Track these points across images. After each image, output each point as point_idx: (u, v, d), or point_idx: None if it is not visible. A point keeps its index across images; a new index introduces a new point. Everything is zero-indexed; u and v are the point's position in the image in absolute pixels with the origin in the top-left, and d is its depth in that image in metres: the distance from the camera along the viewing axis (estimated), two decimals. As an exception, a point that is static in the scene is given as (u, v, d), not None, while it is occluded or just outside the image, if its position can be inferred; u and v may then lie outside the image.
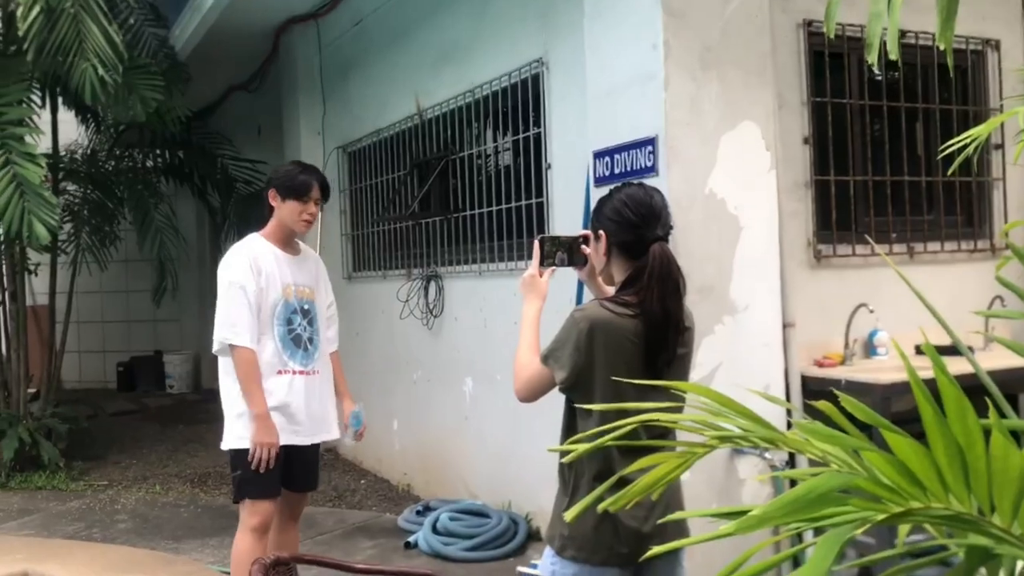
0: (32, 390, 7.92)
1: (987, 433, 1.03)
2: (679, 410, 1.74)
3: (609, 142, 3.83)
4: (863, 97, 4.31)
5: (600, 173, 3.91)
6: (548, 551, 2.34)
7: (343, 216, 7.45)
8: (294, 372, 3.55)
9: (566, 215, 4.55)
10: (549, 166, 4.74)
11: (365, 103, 6.89)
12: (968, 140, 1.45)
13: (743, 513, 1.04)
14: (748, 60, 3.70)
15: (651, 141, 3.59)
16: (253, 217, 9.54)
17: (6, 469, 6.90)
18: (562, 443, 2.37)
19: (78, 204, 8.43)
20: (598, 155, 3.92)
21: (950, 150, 1.70)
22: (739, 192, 3.67)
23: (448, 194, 5.81)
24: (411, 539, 4.92)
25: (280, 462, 3.46)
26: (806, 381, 3.89)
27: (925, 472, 1.03)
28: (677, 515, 1.58)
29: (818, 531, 1.05)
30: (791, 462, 3.53)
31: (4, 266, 7.63)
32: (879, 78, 4.30)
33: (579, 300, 4.23)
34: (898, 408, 3.51)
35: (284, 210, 3.59)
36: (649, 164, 3.61)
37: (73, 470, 7.20)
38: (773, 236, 3.77)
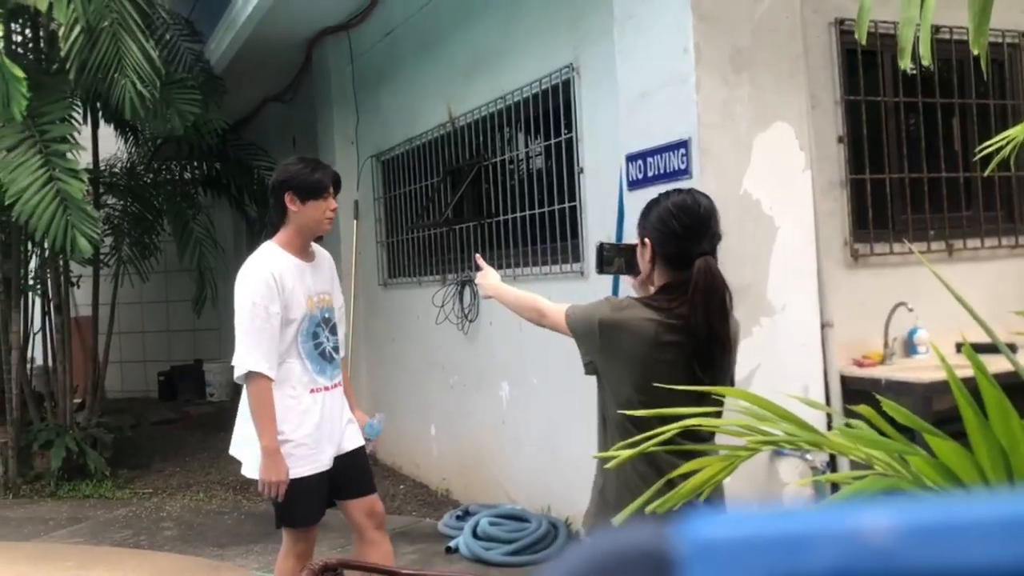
0: (77, 400, 8.09)
1: (1030, 434, 1.04)
2: (719, 414, 1.75)
3: (642, 145, 3.84)
4: (897, 94, 4.28)
5: (633, 176, 3.93)
6: None
7: (378, 224, 7.52)
8: (324, 389, 3.35)
9: (599, 219, 4.56)
10: (581, 170, 4.76)
11: (397, 112, 6.96)
12: (1005, 141, 1.45)
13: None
14: (780, 61, 3.69)
15: (684, 144, 3.60)
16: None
17: (55, 478, 7.04)
18: (599, 434, 2.40)
19: (118, 217, 8.59)
20: (631, 158, 3.93)
21: (988, 150, 1.70)
22: (774, 193, 3.66)
23: (481, 200, 5.85)
24: (452, 544, 4.96)
25: (321, 486, 3.31)
26: (845, 381, 3.87)
27: (968, 475, 1.04)
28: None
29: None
30: (832, 464, 3.52)
31: (49, 279, 7.80)
32: (913, 73, 4.27)
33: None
34: (940, 407, 3.48)
35: (306, 212, 3.28)
36: (683, 167, 3.61)
37: (119, 478, 7.34)
38: (809, 236, 3.76)
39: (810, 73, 3.89)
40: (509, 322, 5.50)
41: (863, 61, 4.16)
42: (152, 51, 6.43)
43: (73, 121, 6.84)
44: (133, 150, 9.21)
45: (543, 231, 5.13)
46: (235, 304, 3.21)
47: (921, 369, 3.81)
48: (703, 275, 2.19)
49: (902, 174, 4.28)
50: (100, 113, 7.87)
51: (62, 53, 6.30)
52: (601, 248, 2.57)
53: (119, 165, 8.90)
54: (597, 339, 2.28)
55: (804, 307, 3.74)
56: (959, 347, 3.47)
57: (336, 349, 3.42)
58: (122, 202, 8.62)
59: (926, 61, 1.26)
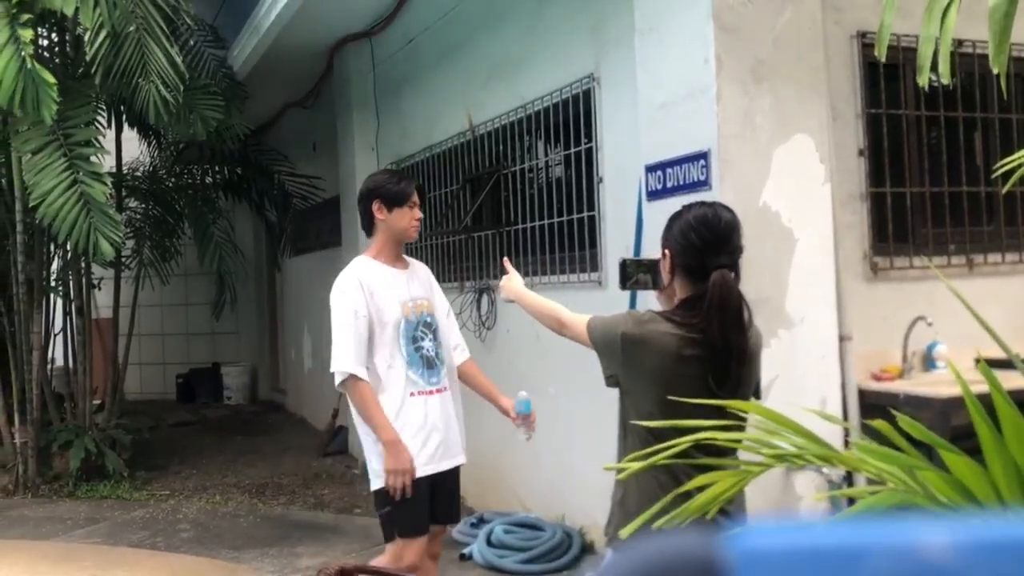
0: (97, 401, 8.16)
1: (1046, 453, 1.03)
2: (739, 428, 1.75)
3: (661, 156, 3.85)
4: (919, 108, 4.26)
5: (652, 187, 3.93)
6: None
7: (397, 230, 7.55)
8: (428, 392, 3.34)
9: (618, 228, 4.57)
10: (600, 180, 4.77)
11: (417, 119, 7.00)
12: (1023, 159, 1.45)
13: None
14: (801, 73, 3.69)
15: (704, 155, 3.60)
16: (311, 232, 9.74)
17: (73, 479, 7.11)
18: (619, 444, 2.41)
19: (140, 220, 8.69)
20: (650, 169, 3.93)
21: (1008, 166, 1.70)
22: (793, 205, 3.65)
23: (500, 208, 5.87)
24: (466, 551, 4.97)
25: (426, 489, 3.28)
26: (864, 395, 3.85)
27: (982, 491, 1.04)
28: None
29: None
30: (848, 478, 3.50)
31: (71, 281, 7.88)
32: (935, 86, 4.25)
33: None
34: (958, 422, 3.46)
35: (393, 220, 3.39)
36: (702, 178, 3.61)
37: (136, 480, 7.40)
38: (828, 248, 3.75)
39: (831, 85, 3.88)
40: (527, 330, 5.51)
41: (885, 74, 4.15)
42: (176, 56, 6.51)
43: (98, 125, 6.92)
44: (156, 154, 9.31)
45: (561, 240, 5.14)
46: (331, 315, 3.37)
47: (940, 384, 3.79)
48: (718, 288, 2.21)
49: (923, 188, 4.26)
50: (124, 117, 7.95)
51: (87, 58, 6.38)
52: (624, 265, 2.59)
53: (141, 169, 9.01)
54: (619, 353, 2.29)
55: (823, 320, 3.72)
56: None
57: (438, 355, 3.43)
58: (144, 205, 8.72)
59: (945, 79, 1.26)
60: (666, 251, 2.36)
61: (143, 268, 8.62)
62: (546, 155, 5.57)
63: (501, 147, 5.83)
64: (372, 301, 3.31)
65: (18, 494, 7.05)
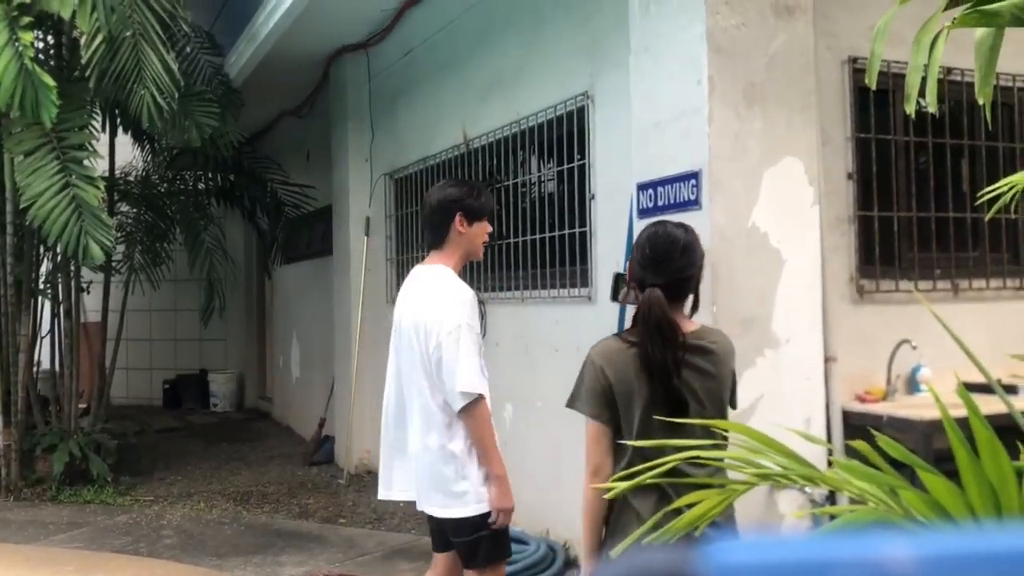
0: (82, 406, 8.13)
1: (1021, 474, 1.06)
2: (721, 444, 1.79)
3: (653, 175, 3.89)
4: (908, 133, 4.31)
5: (643, 205, 3.97)
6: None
7: (388, 241, 7.58)
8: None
9: (609, 245, 4.61)
10: (593, 196, 4.80)
11: (412, 131, 7.03)
12: (1008, 186, 1.49)
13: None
14: (792, 96, 3.74)
15: (695, 175, 3.64)
16: (302, 240, 9.75)
17: (56, 482, 7.07)
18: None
19: (131, 225, 8.68)
20: (642, 187, 3.97)
21: (993, 194, 1.73)
22: (782, 226, 3.70)
23: (492, 222, 5.89)
24: (449, 563, 4.96)
25: None
26: (847, 416, 3.89)
27: (959, 511, 1.07)
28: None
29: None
30: (831, 498, 3.53)
31: (60, 284, 7.86)
32: (924, 112, 4.31)
33: (619, 332, 4.28)
34: (940, 445, 3.49)
35: (472, 234, 3.17)
36: (692, 197, 3.65)
37: (120, 485, 7.36)
38: (816, 270, 3.79)
39: (822, 109, 3.93)
40: (516, 344, 5.54)
41: (875, 99, 4.20)
42: (172, 63, 6.53)
43: (92, 129, 6.93)
44: (149, 159, 9.31)
45: (553, 255, 5.17)
46: (439, 332, 3.02)
47: (923, 407, 3.82)
48: (644, 305, 2.32)
49: (910, 212, 4.31)
50: (118, 121, 7.96)
51: (83, 61, 6.39)
52: (617, 278, 2.68)
53: (134, 173, 9.00)
54: (613, 398, 2.35)
55: (808, 341, 3.76)
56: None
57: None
58: (135, 210, 8.72)
59: (932, 108, 1.30)
60: (628, 267, 2.52)
61: (133, 273, 8.60)
62: (539, 170, 5.60)
63: (495, 161, 5.87)
64: (476, 318, 3.10)
65: (0, 497, 7.01)
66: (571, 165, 5.02)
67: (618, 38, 4.34)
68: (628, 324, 3.75)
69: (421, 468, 3.16)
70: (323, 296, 8.76)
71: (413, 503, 3.32)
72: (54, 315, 8.10)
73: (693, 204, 3.63)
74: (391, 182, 7.55)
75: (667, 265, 2.36)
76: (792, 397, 3.69)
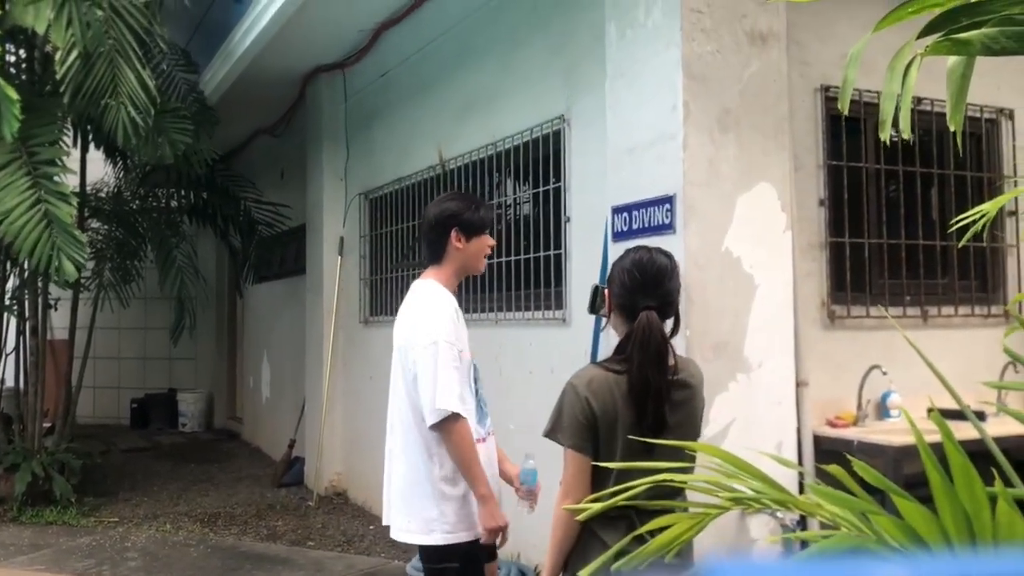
0: (47, 424, 7.98)
1: (994, 500, 1.07)
2: (689, 469, 1.78)
3: (628, 199, 3.90)
4: (879, 161, 4.37)
5: (618, 228, 3.98)
6: None
7: (362, 261, 7.54)
8: (483, 439, 3.07)
9: (584, 268, 4.61)
10: (568, 219, 4.82)
11: (388, 151, 7.02)
12: (978, 215, 1.50)
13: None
14: (766, 123, 3.78)
15: (669, 199, 3.66)
16: (275, 259, 9.69)
17: (18, 503, 6.93)
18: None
19: (102, 241, 8.58)
20: (617, 211, 3.99)
21: (963, 222, 1.75)
22: (755, 251, 3.72)
23: (493, 234, 5.88)
24: (419, 587, 4.91)
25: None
26: (819, 441, 3.91)
27: (933, 537, 1.07)
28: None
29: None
30: (802, 523, 3.54)
31: (27, 300, 7.74)
32: (895, 141, 4.38)
33: (594, 355, 4.28)
34: (910, 471, 3.52)
35: (470, 250, 3.05)
36: (667, 221, 3.67)
37: (84, 506, 7.23)
38: (788, 295, 3.82)
39: (795, 136, 3.98)
40: (489, 365, 5.51)
41: (847, 127, 4.26)
42: (148, 79, 6.48)
43: (63, 144, 6.85)
44: (121, 175, 9.22)
45: (528, 277, 5.17)
46: (414, 347, 2.94)
47: (893, 432, 3.85)
48: (641, 328, 2.30)
49: (881, 239, 4.36)
50: (91, 137, 7.88)
51: (57, 76, 6.33)
52: (595, 291, 2.68)
53: (106, 190, 8.91)
54: (597, 430, 2.32)
55: (780, 365, 3.78)
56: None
57: (486, 401, 3.19)
58: (107, 227, 8.62)
59: (906, 135, 1.31)
60: (607, 290, 2.48)
61: (102, 290, 8.49)
62: (515, 193, 5.61)
63: (471, 183, 5.87)
64: (460, 335, 2.99)
65: (-40, 517, 6.87)
66: (547, 188, 5.03)
67: (594, 62, 4.37)
68: (602, 348, 3.75)
69: (394, 489, 3.07)
70: (295, 316, 8.70)
71: (383, 527, 3.22)
72: (20, 332, 7.97)
73: (667, 228, 3.65)
74: (366, 202, 7.53)
75: (657, 288, 2.37)
76: (764, 421, 3.70)
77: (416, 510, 2.98)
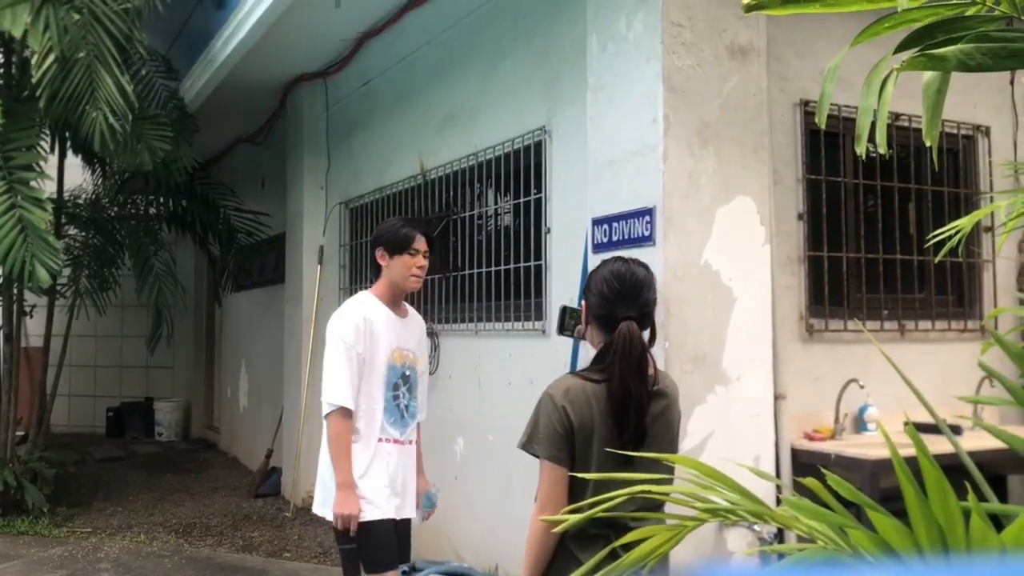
0: (20, 433, 7.88)
1: (968, 515, 1.07)
2: (668, 482, 1.78)
3: (608, 210, 3.91)
4: (857, 176, 4.41)
5: (598, 239, 3.99)
6: None
7: (342, 271, 7.52)
8: (395, 442, 3.45)
9: (564, 278, 4.61)
10: (548, 230, 4.82)
11: (369, 161, 7.01)
12: (954, 231, 1.51)
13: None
14: (745, 137, 3.80)
15: (649, 211, 3.67)
16: (254, 268, 9.64)
17: (-11, 512, 6.84)
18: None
19: (79, 248, 8.50)
20: (597, 222, 4.00)
21: (939, 237, 1.76)
22: (734, 264, 3.74)
23: (448, 253, 5.89)
24: (396, 599, 4.88)
25: (390, 533, 3.39)
26: (796, 454, 3.92)
27: (907, 551, 1.07)
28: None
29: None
30: (779, 535, 3.54)
31: (1, 307, 7.66)
32: (873, 156, 4.41)
33: (573, 366, 4.27)
34: (887, 484, 3.53)
35: (393, 267, 3.44)
36: (646, 233, 3.68)
37: (57, 516, 7.14)
38: (766, 308, 3.83)
39: (774, 150, 4.00)
40: (468, 377, 5.50)
41: (825, 142, 4.29)
42: (127, 85, 6.44)
43: (40, 150, 6.79)
44: (100, 182, 9.15)
45: (508, 288, 5.17)
46: (326, 343, 3.38)
47: (870, 446, 3.87)
48: (623, 337, 2.29)
49: (859, 253, 4.39)
50: (68, 143, 7.82)
51: (33, 81, 6.28)
52: (564, 312, 2.67)
53: (83, 196, 8.84)
54: (574, 440, 2.29)
55: (758, 378, 3.79)
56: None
57: (408, 408, 3.52)
58: (84, 234, 8.54)
59: (882, 149, 1.32)
60: (583, 302, 2.46)
61: (79, 297, 8.41)
62: (496, 203, 5.61)
63: (452, 193, 5.87)
64: (369, 340, 3.37)
65: (-71, 527, 6.76)
66: (528, 199, 5.03)
67: (576, 74, 4.38)
68: (582, 359, 3.74)
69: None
70: (274, 325, 8.65)
71: None
72: (-7, 339, 7.88)
73: (647, 240, 3.65)
74: (346, 211, 7.50)
75: (636, 299, 2.36)
76: (742, 434, 3.71)
77: (327, 489, 3.42)
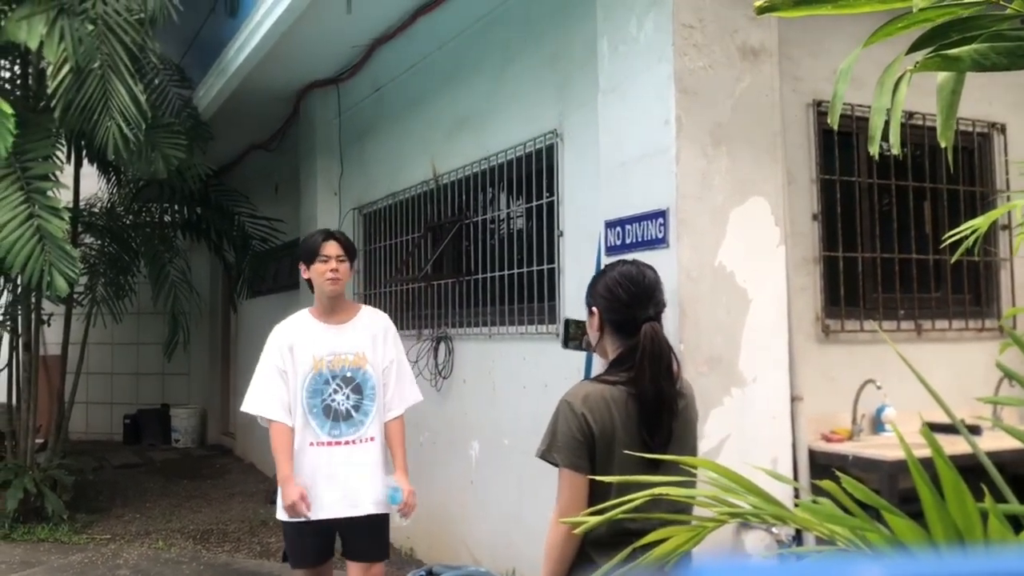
0: (39, 440, 7.94)
1: (986, 516, 1.06)
2: (691, 484, 1.77)
3: (621, 213, 3.91)
4: (871, 175, 4.38)
5: (611, 242, 3.98)
6: None
7: (356, 276, 7.53)
8: (331, 443, 3.59)
9: (576, 282, 4.61)
10: (561, 233, 4.82)
11: (382, 166, 7.03)
12: (970, 230, 1.51)
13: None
14: (758, 137, 3.79)
15: (662, 213, 3.66)
16: (269, 274, 9.68)
17: (10, 520, 6.89)
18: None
19: (95, 257, 8.56)
20: (610, 225, 3.99)
21: (955, 237, 1.75)
22: (748, 265, 3.72)
23: (461, 257, 5.89)
24: (413, 604, 4.88)
25: (309, 535, 3.61)
26: (814, 455, 3.89)
27: (925, 552, 1.06)
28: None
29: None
30: (798, 537, 3.52)
31: (20, 316, 7.72)
32: (887, 155, 4.39)
33: (587, 370, 4.27)
34: (906, 485, 3.51)
35: (313, 276, 3.67)
36: (660, 236, 3.67)
37: (77, 523, 7.18)
38: (782, 309, 3.82)
39: (787, 151, 3.99)
40: (483, 381, 5.50)
41: (839, 142, 4.27)
42: (140, 94, 6.48)
43: (56, 159, 6.85)
44: (115, 191, 9.21)
45: (521, 291, 5.17)
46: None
47: (888, 447, 3.85)
48: (650, 340, 2.26)
49: (874, 253, 4.37)
50: (84, 152, 7.88)
51: (49, 91, 6.33)
52: (567, 324, 2.64)
53: (99, 205, 8.90)
54: (595, 448, 2.27)
55: (775, 380, 3.77)
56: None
57: (357, 407, 3.64)
58: (100, 242, 8.60)
59: (895, 150, 1.31)
60: (593, 309, 2.41)
61: (95, 305, 8.47)
62: (508, 207, 5.62)
63: (464, 197, 5.87)
64: (291, 356, 3.61)
65: (-50, 535, 6.82)
66: (540, 202, 5.03)
67: (587, 76, 4.38)
68: (596, 364, 3.73)
69: None
70: (289, 331, 8.66)
71: None
72: (12, 348, 7.94)
73: (660, 242, 3.65)
74: (360, 216, 7.53)
75: (651, 300, 2.34)
76: (759, 436, 3.69)
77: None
